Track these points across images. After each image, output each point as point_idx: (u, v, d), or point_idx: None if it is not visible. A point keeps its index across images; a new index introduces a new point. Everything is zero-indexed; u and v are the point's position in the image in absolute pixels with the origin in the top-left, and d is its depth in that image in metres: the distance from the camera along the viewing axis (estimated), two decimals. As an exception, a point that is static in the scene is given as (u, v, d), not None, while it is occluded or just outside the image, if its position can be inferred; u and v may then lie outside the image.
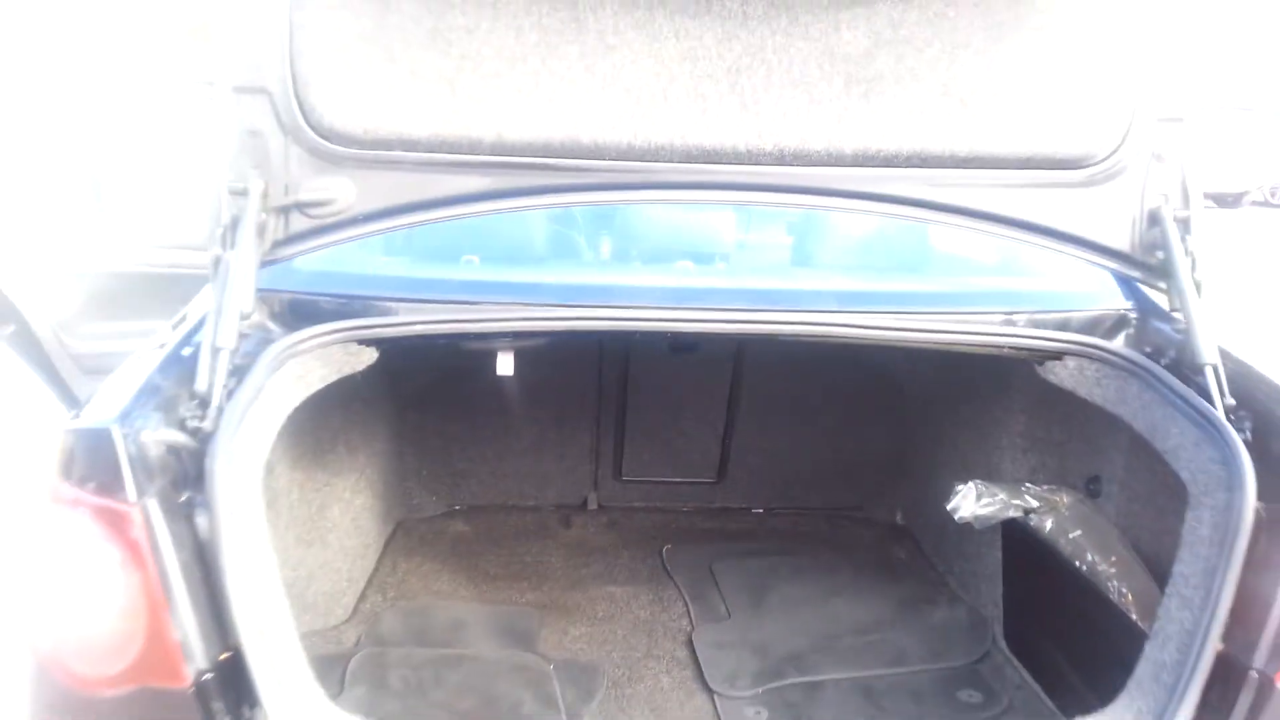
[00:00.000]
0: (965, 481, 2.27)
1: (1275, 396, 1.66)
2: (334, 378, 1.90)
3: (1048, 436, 2.37)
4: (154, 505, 1.39)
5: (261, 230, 1.74)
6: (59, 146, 3.37)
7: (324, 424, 2.44)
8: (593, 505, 3.29)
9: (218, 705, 1.39)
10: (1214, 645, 1.45)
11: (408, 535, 3.11)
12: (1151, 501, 2.04)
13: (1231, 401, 1.66)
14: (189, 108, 3.28)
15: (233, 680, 1.39)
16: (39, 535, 1.39)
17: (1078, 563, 2.04)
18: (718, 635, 2.58)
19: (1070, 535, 2.09)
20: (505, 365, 2.19)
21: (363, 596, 2.72)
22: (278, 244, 1.79)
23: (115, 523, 1.36)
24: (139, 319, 2.75)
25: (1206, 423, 1.60)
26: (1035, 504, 2.16)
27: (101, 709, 1.38)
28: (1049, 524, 2.13)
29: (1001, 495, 2.18)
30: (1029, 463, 2.41)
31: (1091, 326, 2.08)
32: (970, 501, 2.20)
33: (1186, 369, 1.77)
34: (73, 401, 3.13)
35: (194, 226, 2.76)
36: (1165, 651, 1.50)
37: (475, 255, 2.54)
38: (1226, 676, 1.46)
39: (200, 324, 1.70)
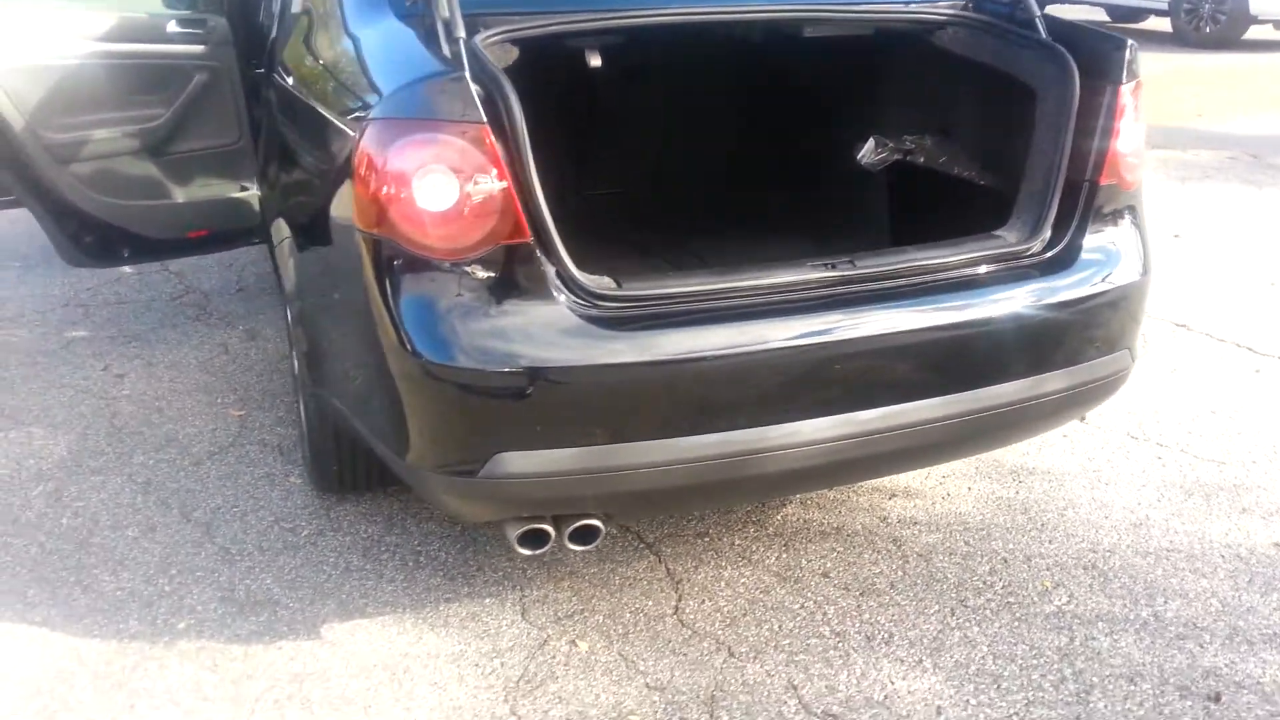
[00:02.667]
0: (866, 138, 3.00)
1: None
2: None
3: (919, 96, 3.00)
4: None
5: None
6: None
7: None
8: None
9: (540, 254, 1.84)
10: (1063, 172, 2.19)
11: None
12: (986, 134, 2.76)
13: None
14: None
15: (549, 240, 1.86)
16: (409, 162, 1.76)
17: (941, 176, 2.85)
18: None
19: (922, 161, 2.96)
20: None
21: None
22: None
23: (478, 138, 1.76)
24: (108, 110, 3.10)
25: (1044, 47, 2.33)
26: (911, 147, 2.95)
27: (465, 265, 1.80)
28: (921, 159, 2.94)
29: (890, 144, 2.98)
30: (905, 118, 3.00)
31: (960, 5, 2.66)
32: (870, 150, 2.98)
33: (1021, 21, 2.46)
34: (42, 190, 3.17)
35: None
36: (1034, 184, 2.23)
37: None
38: (1071, 189, 2.22)
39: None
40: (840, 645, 2.19)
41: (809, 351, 1.90)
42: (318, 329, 2.22)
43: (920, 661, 2.15)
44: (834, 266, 1.98)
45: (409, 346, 1.79)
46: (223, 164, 3.40)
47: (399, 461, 1.94)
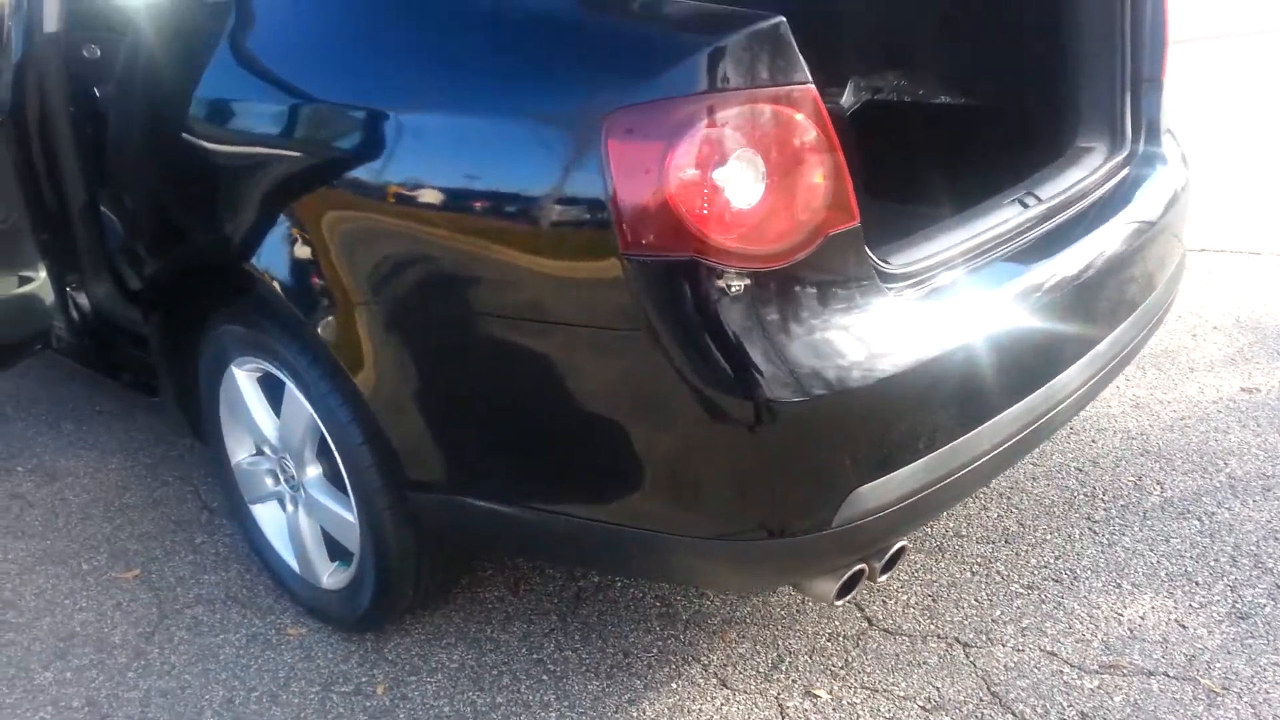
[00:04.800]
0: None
1: None
2: None
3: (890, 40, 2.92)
4: None
5: None
6: None
7: None
8: None
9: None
10: (1129, 72, 2.14)
11: None
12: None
13: None
14: None
15: None
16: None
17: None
18: None
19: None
20: None
21: None
22: None
23: (809, 104, 1.38)
24: None
25: None
26: (880, 86, 3.01)
27: (795, 268, 1.41)
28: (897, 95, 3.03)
29: (863, 83, 3.02)
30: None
31: None
32: (849, 93, 3.02)
33: None
34: None
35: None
36: (1097, 90, 2.16)
37: None
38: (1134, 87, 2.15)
39: None
40: (1044, 597, 2.09)
41: (1062, 290, 1.75)
42: (452, 415, 1.65)
43: (1120, 585, 2.13)
44: (1025, 203, 1.84)
45: (740, 388, 1.35)
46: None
47: (662, 543, 1.50)
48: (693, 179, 1.31)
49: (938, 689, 1.90)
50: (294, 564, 2.17)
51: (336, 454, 1.86)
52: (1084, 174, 2.01)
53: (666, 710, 1.89)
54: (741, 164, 1.32)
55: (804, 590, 1.66)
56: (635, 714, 1.89)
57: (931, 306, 1.56)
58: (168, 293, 2.10)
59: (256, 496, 2.21)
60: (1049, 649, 1.97)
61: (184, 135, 1.87)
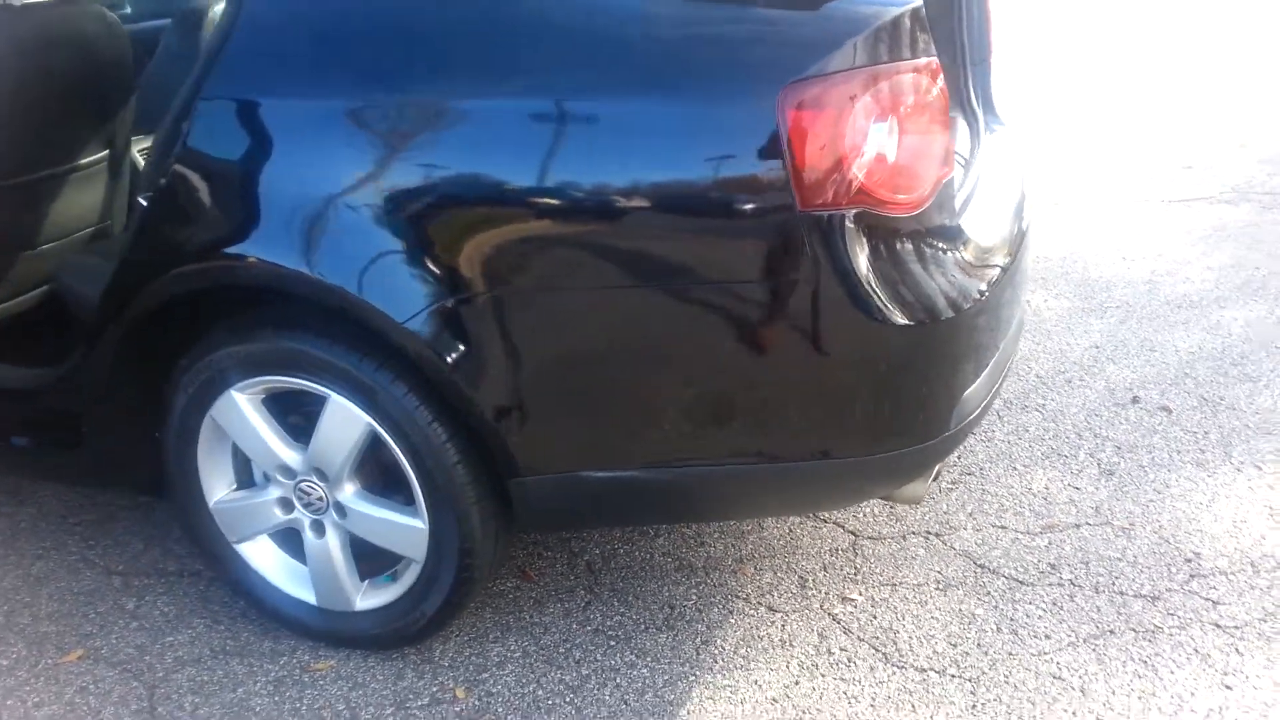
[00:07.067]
0: None
1: None
2: None
3: None
4: None
5: None
6: None
7: None
8: None
9: None
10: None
11: None
12: None
13: None
14: None
15: None
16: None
17: None
18: None
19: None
20: None
21: None
22: None
23: (936, 71, 1.64)
24: None
25: None
26: None
27: (926, 213, 1.66)
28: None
29: None
30: None
31: None
32: None
33: None
34: None
35: None
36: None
37: None
38: None
39: None
40: (970, 488, 2.50)
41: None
42: (590, 392, 1.66)
43: (1015, 468, 2.61)
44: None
45: (907, 312, 1.58)
46: None
47: (827, 470, 1.70)
48: (860, 141, 1.52)
49: (939, 571, 2.24)
50: (308, 596, 2.03)
51: (404, 459, 1.80)
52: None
53: (739, 641, 2.06)
54: (895, 125, 1.55)
55: (895, 497, 1.91)
56: (715, 651, 2.03)
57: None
58: (141, 318, 1.86)
59: (249, 533, 2.03)
60: (998, 524, 2.39)
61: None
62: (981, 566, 2.25)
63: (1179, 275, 3.78)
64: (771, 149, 1.50)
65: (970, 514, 2.43)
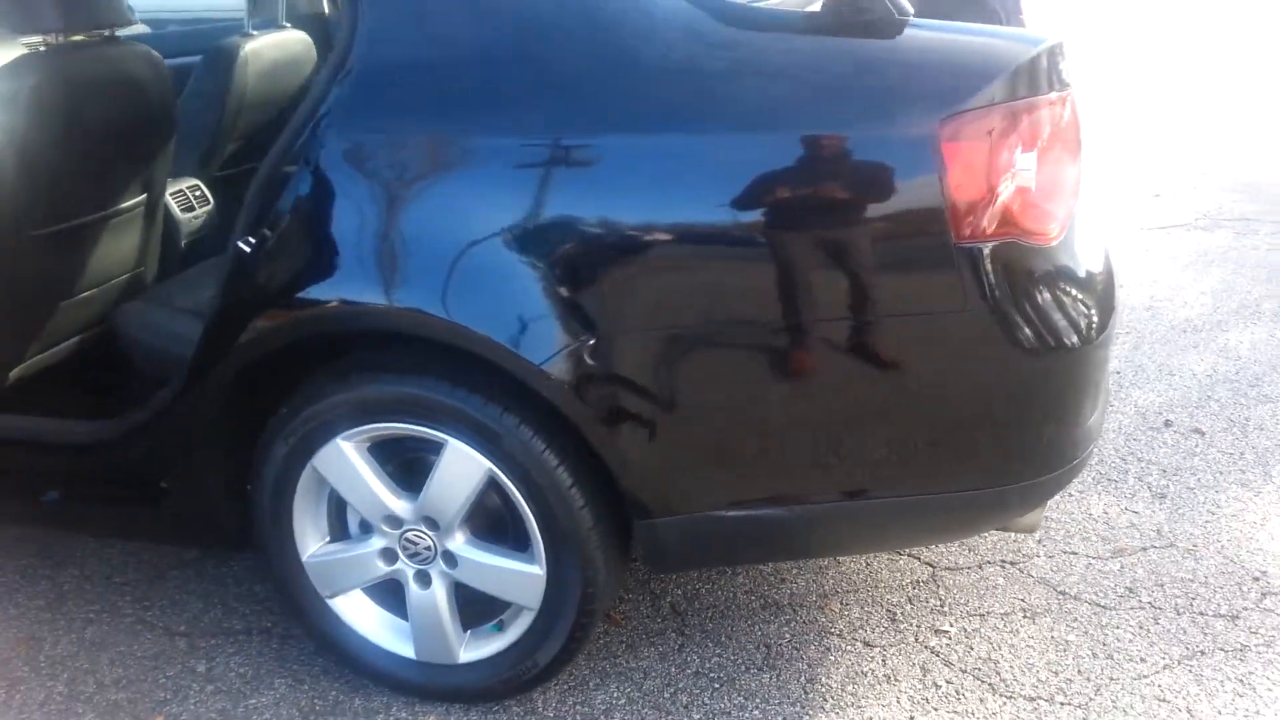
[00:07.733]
0: None
1: None
2: None
3: None
4: None
5: None
6: None
7: None
8: None
9: None
10: None
11: None
12: None
13: None
14: None
15: None
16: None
17: None
18: None
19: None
20: None
21: None
22: None
23: (1073, 105, 1.69)
24: None
25: None
26: None
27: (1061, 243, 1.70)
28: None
29: None
30: None
31: None
32: None
33: None
34: None
35: None
36: None
37: None
38: None
39: None
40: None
41: None
42: (734, 432, 1.65)
43: (1068, 493, 2.65)
44: None
45: (1055, 339, 1.62)
46: None
47: (972, 501, 1.71)
48: (1011, 173, 1.54)
49: (1022, 600, 2.26)
50: (405, 649, 1.96)
51: (523, 504, 1.76)
52: None
53: (844, 678, 2.04)
54: (1039, 157, 1.58)
55: (1013, 526, 1.93)
56: (822, 689, 2.02)
57: None
58: (249, 366, 1.79)
59: (344, 587, 1.96)
60: (1068, 549, 2.43)
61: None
62: (1062, 593, 2.28)
63: (1177, 300, 3.92)
64: (927, 182, 1.52)
65: (1039, 541, 2.47)
